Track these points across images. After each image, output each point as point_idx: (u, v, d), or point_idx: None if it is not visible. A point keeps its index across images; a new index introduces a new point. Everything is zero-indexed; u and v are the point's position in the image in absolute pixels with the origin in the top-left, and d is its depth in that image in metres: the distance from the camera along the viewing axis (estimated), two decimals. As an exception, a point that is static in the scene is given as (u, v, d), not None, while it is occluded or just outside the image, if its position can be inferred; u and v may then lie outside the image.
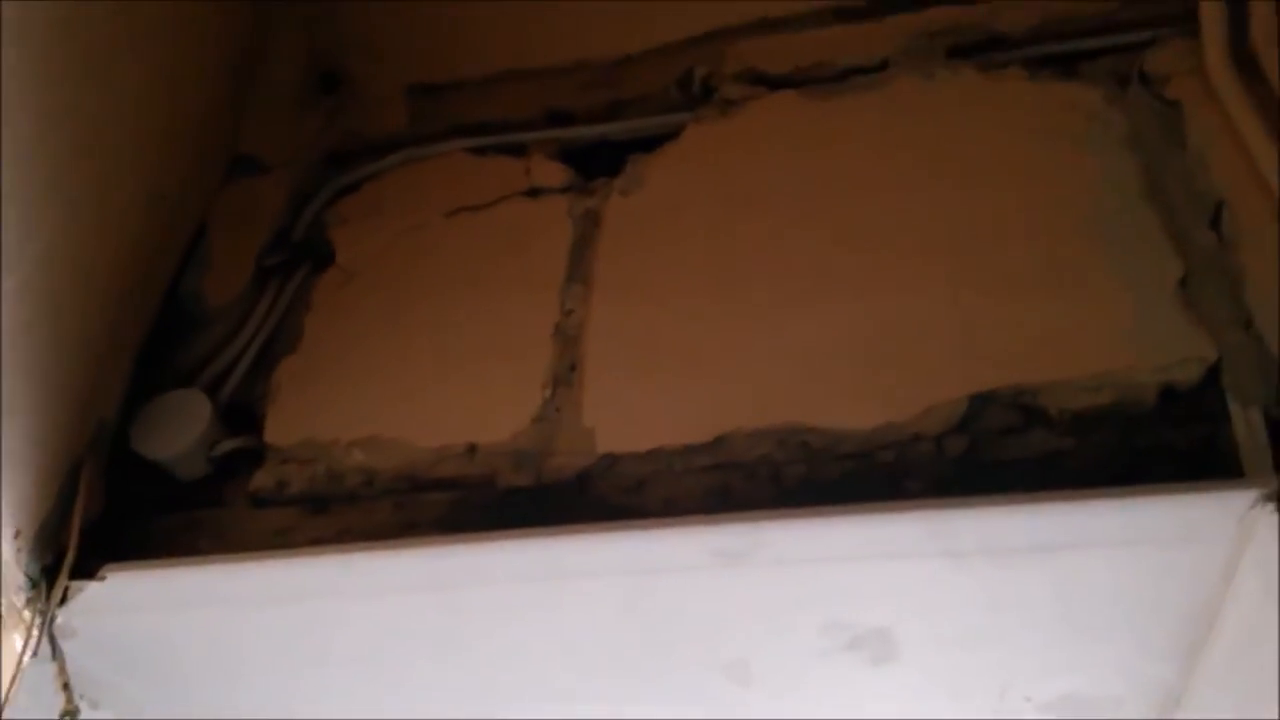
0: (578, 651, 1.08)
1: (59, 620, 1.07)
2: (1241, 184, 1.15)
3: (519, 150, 1.49)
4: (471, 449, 1.14)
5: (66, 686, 1.10)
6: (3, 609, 1.05)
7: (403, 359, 1.26)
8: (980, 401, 1.04)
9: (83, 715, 1.12)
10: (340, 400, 1.23)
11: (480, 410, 1.17)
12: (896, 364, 1.10)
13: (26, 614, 1.06)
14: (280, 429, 1.22)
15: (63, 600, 1.06)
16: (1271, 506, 0.83)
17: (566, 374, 1.19)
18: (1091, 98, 1.33)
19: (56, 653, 1.08)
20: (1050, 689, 1.09)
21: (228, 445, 1.21)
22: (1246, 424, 0.96)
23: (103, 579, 1.07)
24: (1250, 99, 1.22)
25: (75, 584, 1.07)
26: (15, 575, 1.05)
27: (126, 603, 1.08)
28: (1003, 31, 1.44)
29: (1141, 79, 1.33)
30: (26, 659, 1.04)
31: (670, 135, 1.45)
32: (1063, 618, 0.99)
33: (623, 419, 1.12)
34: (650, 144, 1.45)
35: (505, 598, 1.03)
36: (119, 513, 1.18)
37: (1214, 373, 1.01)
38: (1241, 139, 1.19)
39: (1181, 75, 1.30)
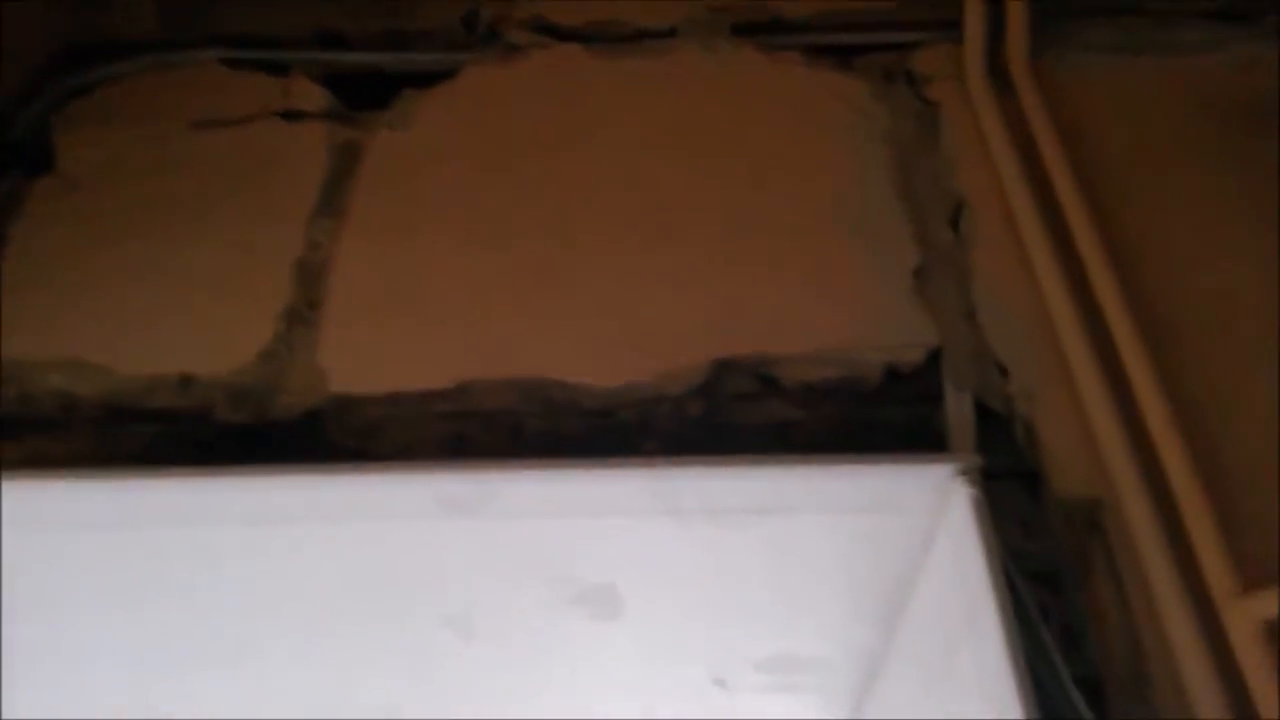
0: (291, 601, 1.02)
1: None
2: (982, 188, 1.24)
3: (281, 70, 1.39)
4: (186, 380, 1.05)
5: None
6: None
7: (120, 279, 1.14)
8: (721, 367, 1.06)
9: None
10: (42, 318, 1.10)
11: (201, 341, 1.08)
12: (643, 327, 1.10)
13: None
14: (-31, 344, 1.08)
15: None
16: (964, 480, 0.89)
17: (305, 311, 1.12)
18: (859, 90, 1.38)
19: None
20: (765, 650, 1.13)
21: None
22: (958, 407, 1.03)
23: None
24: (1000, 109, 1.30)
25: None
26: None
27: None
28: (785, 16, 1.47)
29: (907, 78, 1.40)
30: None
31: (447, 74, 1.39)
32: (777, 581, 1.03)
33: (360, 361, 1.06)
34: (425, 80, 1.38)
35: (211, 541, 0.96)
36: None
37: (935, 358, 1.07)
38: (987, 146, 1.27)
39: (943, 79, 1.38)
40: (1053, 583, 0.90)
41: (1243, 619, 0.81)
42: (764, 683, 1.19)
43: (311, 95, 1.35)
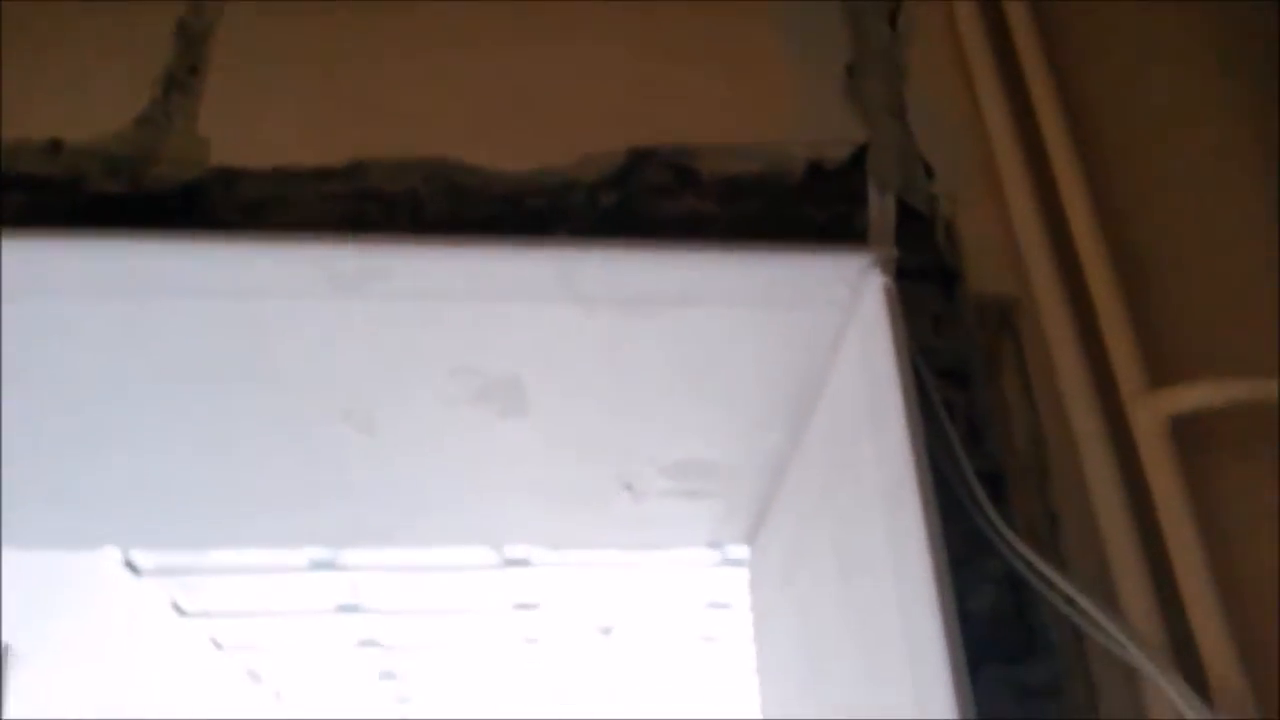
0: (170, 383, 0.96)
1: None
2: (920, -14, 1.17)
3: None
4: (55, 146, 0.96)
5: None
6: None
7: (-21, 34, 1.03)
8: (637, 157, 1.00)
9: None
10: (-115, 72, 0.99)
11: (73, 105, 0.99)
12: (557, 111, 1.03)
13: None
14: None
15: None
16: (879, 271, 0.86)
17: (186, 77, 1.02)
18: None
19: None
20: (671, 452, 1.11)
21: None
22: (881, 206, 0.99)
23: None
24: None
25: None
26: None
27: None
28: None
29: None
30: None
31: None
32: (685, 380, 1.00)
33: (247, 132, 0.98)
34: None
35: (80, 314, 0.89)
36: None
37: (861, 156, 1.02)
38: (930, -57, 1.20)
39: None
40: (962, 380, 0.89)
41: (1149, 414, 0.81)
42: (670, 488, 1.18)
43: None
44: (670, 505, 1.23)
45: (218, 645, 3.40)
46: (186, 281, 0.87)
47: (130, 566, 2.79)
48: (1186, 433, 0.81)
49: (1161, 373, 0.84)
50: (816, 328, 0.93)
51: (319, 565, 2.86)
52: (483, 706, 4.28)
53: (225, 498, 1.15)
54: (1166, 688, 0.66)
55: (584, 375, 1.00)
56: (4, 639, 2.20)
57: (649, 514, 1.24)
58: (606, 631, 3.73)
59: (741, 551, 2.80)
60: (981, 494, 0.81)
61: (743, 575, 3.02)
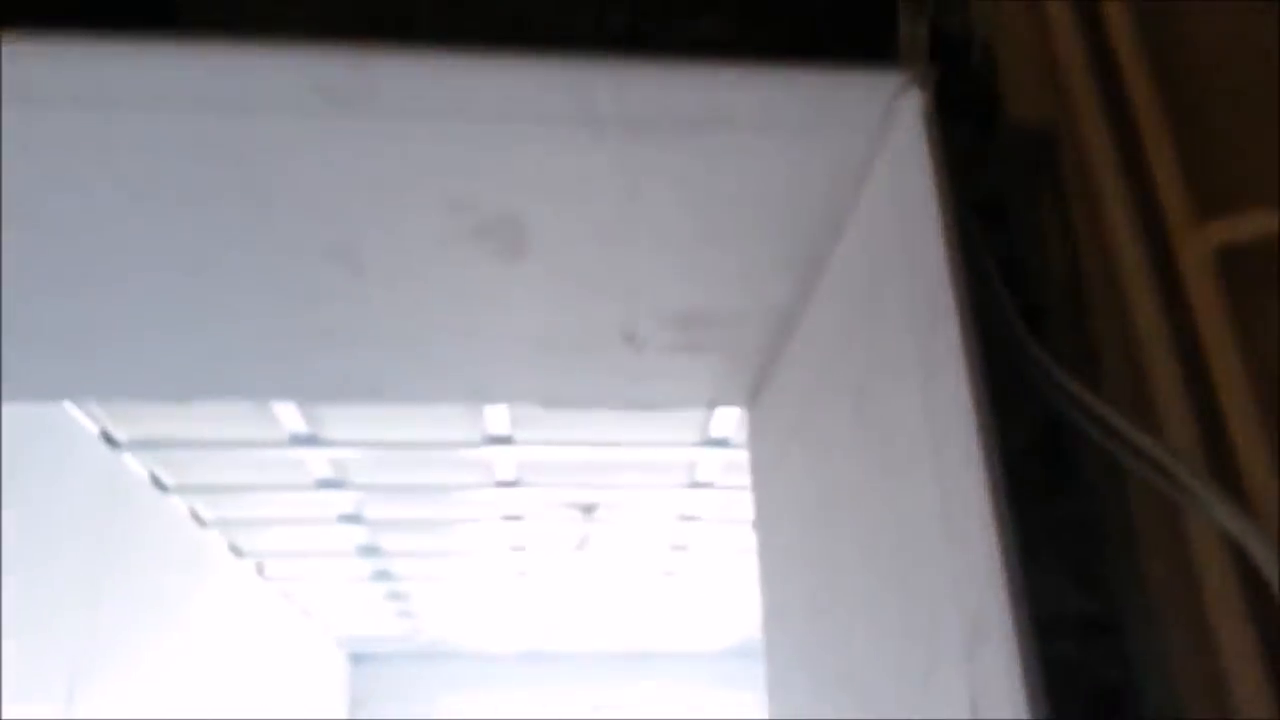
0: (147, 211, 0.89)
1: None
2: None
3: None
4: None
5: None
6: None
7: None
8: (650, -30, 0.92)
9: None
10: None
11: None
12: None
13: None
14: None
15: None
16: (916, 90, 0.79)
17: None
18: None
19: None
20: (676, 301, 1.06)
21: None
22: (913, 27, 0.91)
23: None
24: None
25: None
26: None
27: None
28: None
29: None
30: None
31: None
32: (695, 217, 0.94)
33: (220, -69, 0.89)
34: None
35: (46, 129, 0.81)
36: None
37: (890, -27, 0.94)
38: None
39: None
40: (998, 213, 0.83)
41: (1196, 246, 0.76)
42: (673, 340, 1.13)
43: None
44: (670, 360, 1.18)
45: (199, 520, 3.39)
46: (162, 91, 0.79)
47: (108, 439, 2.74)
48: (1234, 267, 0.77)
49: (1209, 204, 0.79)
50: (842, 158, 0.86)
51: (300, 441, 2.83)
52: (462, 583, 4.34)
53: (204, 343, 1.09)
54: (1214, 510, 0.63)
55: (589, 212, 0.94)
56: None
57: (648, 369, 1.20)
58: (588, 510, 3.76)
59: (726, 428, 2.79)
60: (1021, 328, 0.76)
61: (723, 456, 3.02)
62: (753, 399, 1.26)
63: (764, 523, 1.20)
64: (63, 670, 2.51)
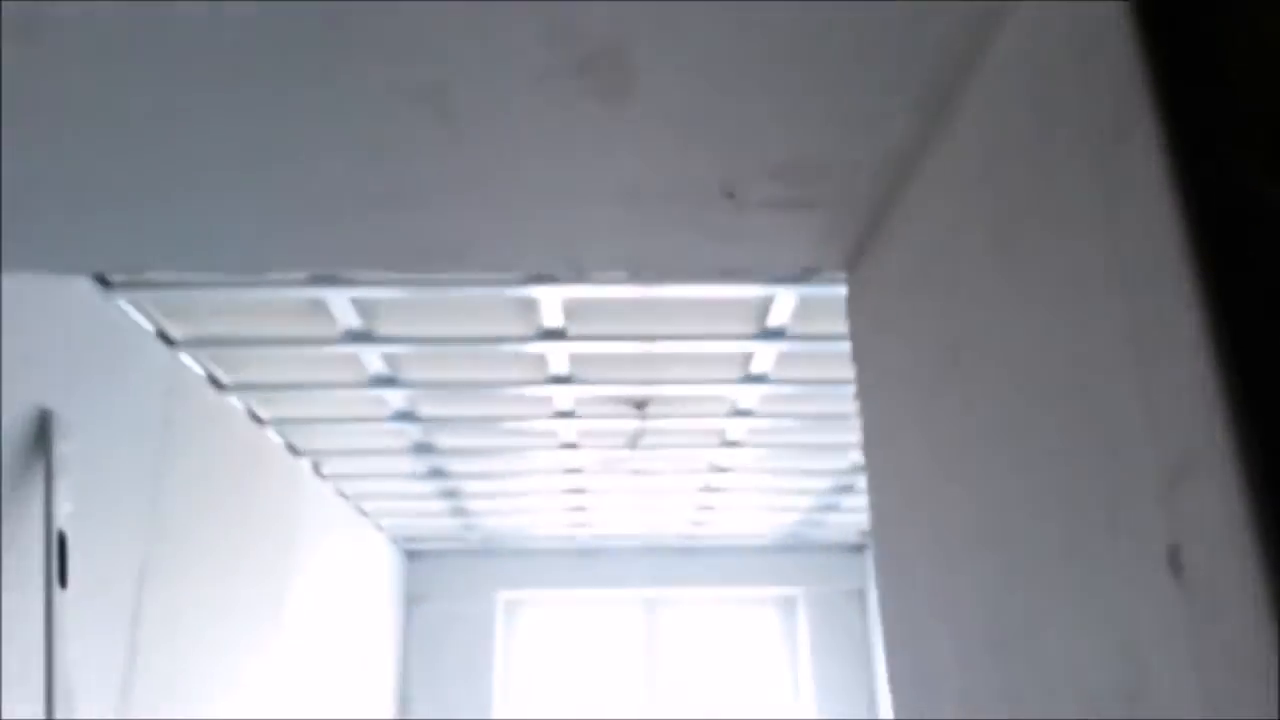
0: (212, 55, 0.82)
1: None
2: None
3: None
4: None
5: None
6: None
7: None
8: None
9: None
10: None
11: None
12: None
13: None
14: None
15: None
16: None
17: None
18: None
19: None
20: (784, 148, 0.99)
21: None
22: None
23: None
24: None
25: None
26: None
27: None
28: None
29: None
30: None
31: None
32: (808, 50, 0.86)
33: None
34: None
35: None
36: None
37: None
38: None
39: None
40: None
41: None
42: (775, 194, 1.06)
43: None
44: (770, 218, 1.11)
45: (257, 419, 3.41)
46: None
47: (164, 337, 2.73)
48: None
49: None
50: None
51: (354, 337, 2.80)
52: (515, 480, 4.37)
53: (270, 204, 1.03)
54: None
55: (697, 46, 0.85)
56: (47, 405, 2.17)
57: (746, 228, 1.13)
58: (641, 405, 3.73)
59: (783, 316, 2.71)
60: (1225, 133, 0.68)
61: (778, 348, 2.95)
62: (855, 261, 1.19)
63: (871, 389, 1.15)
64: (133, 565, 2.55)
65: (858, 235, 1.15)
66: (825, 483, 4.49)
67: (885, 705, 5.41)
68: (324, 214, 1.08)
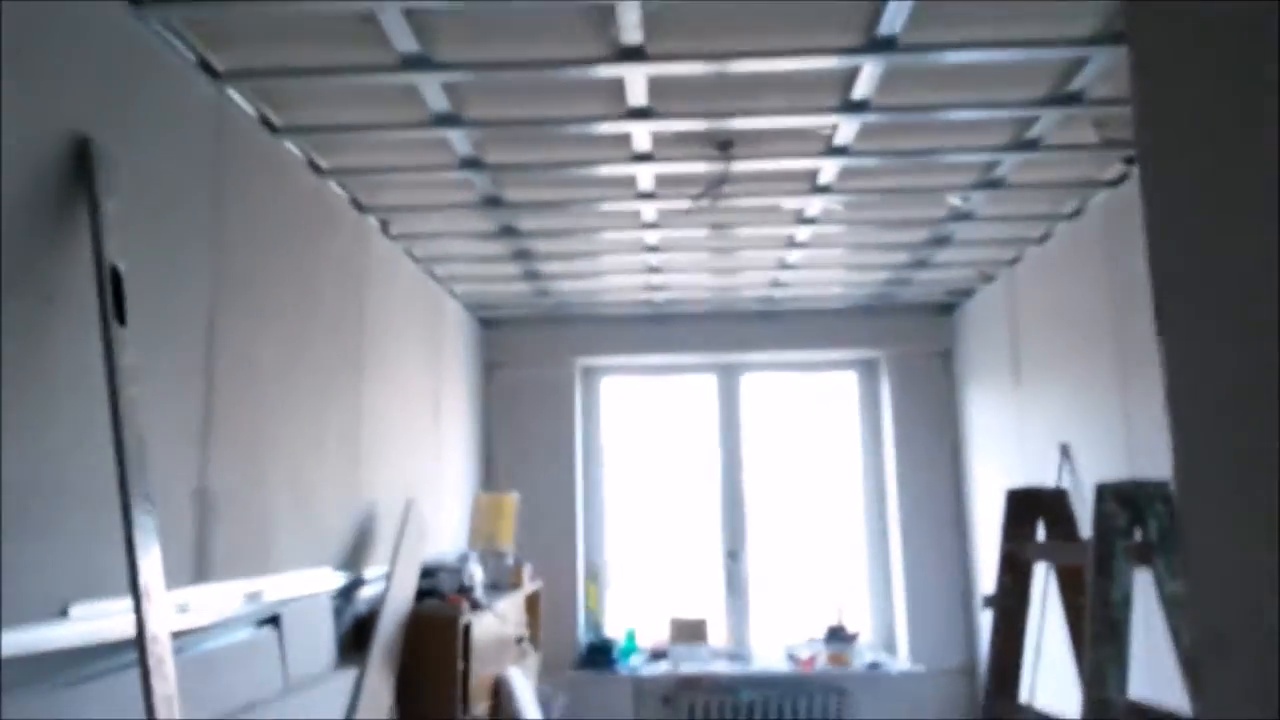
0: None
1: None
2: None
3: None
4: None
5: None
6: None
7: None
8: None
9: None
10: None
11: None
12: None
13: None
14: None
15: None
16: None
17: None
18: None
19: None
20: None
21: None
22: None
23: None
24: None
25: None
26: None
27: None
28: None
29: None
30: None
31: None
32: None
33: None
34: None
35: None
36: None
37: None
38: None
39: None
40: None
41: None
42: None
43: None
44: None
45: (317, 169, 3.21)
46: None
47: (207, 69, 2.49)
48: None
49: None
50: None
51: (411, 63, 2.52)
52: (590, 240, 4.14)
53: None
54: None
55: None
56: (86, 132, 1.97)
57: None
58: (724, 146, 3.42)
59: (895, 24, 2.35)
60: None
61: (886, 61, 2.58)
62: None
63: (1163, 133, 0.83)
64: (199, 314, 2.43)
65: None
66: (919, 234, 4.19)
67: (970, 469, 5.34)
68: None
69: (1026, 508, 2.59)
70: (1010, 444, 4.66)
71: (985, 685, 2.50)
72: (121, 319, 1.89)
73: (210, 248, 2.49)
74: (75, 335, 1.89)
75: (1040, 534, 3.18)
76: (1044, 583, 3.20)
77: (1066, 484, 3.96)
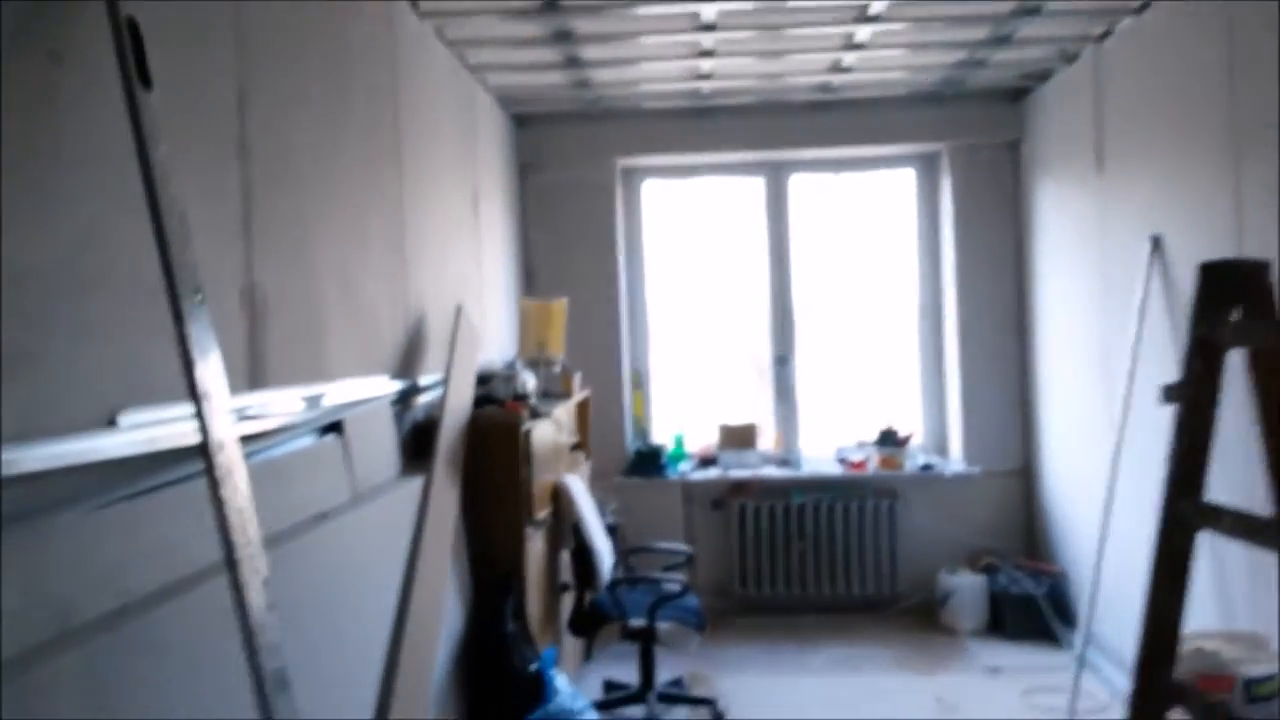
0: None
1: None
2: None
3: None
4: None
5: None
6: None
7: None
8: None
9: None
10: None
11: None
12: None
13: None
14: None
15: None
16: None
17: None
18: None
19: None
20: None
21: None
22: None
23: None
24: None
25: None
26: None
27: None
28: None
29: None
30: None
31: None
32: None
33: None
34: None
35: None
36: None
37: None
38: None
39: None
40: None
41: None
42: None
43: None
44: None
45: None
46: None
47: None
48: None
49: None
50: None
51: None
52: (632, 26, 3.66)
53: None
54: None
55: None
56: None
57: None
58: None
59: None
60: None
61: None
62: None
63: None
64: (228, 92, 2.13)
65: None
66: (1004, 3, 3.74)
67: (1035, 268, 5.06)
68: None
69: (1221, 284, 2.22)
70: (1091, 239, 4.36)
71: (1165, 484, 2.28)
72: (146, 81, 1.60)
73: (229, 24, 2.16)
74: (90, 100, 1.61)
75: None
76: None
77: (1155, 281, 3.70)
